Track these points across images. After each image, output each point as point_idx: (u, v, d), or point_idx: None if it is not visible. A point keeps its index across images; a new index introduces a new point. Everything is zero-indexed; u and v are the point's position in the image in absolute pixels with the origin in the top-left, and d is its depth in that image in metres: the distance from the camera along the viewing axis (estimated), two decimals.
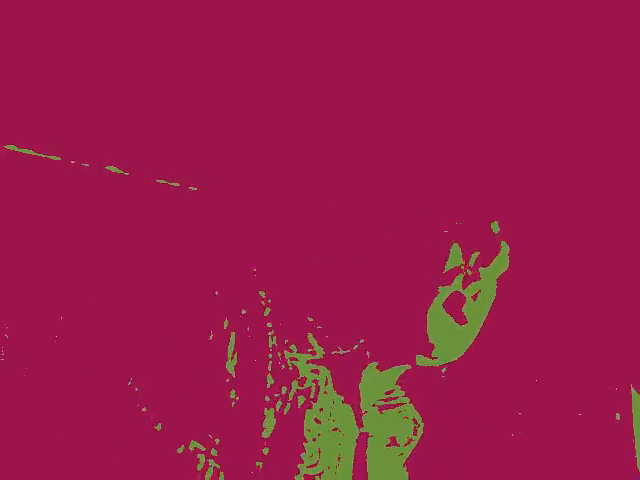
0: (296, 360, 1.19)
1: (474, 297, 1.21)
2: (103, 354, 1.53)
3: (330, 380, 1.21)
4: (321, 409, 1.19)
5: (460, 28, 1.74)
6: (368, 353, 1.24)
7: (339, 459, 1.21)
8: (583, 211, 2.02)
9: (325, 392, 1.20)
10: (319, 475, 1.17)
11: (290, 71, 1.64)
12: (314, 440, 1.17)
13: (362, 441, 1.25)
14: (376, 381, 1.27)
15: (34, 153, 1.63)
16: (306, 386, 1.18)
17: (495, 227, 1.23)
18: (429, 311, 1.18)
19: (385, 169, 1.26)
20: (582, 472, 2.01)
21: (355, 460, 1.23)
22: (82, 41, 1.66)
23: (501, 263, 1.24)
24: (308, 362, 1.19)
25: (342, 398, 1.22)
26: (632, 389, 2.02)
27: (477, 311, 1.22)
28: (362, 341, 1.23)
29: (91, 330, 1.58)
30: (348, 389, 1.24)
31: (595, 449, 2.02)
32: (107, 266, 1.67)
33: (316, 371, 1.20)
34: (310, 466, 1.17)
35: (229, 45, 1.70)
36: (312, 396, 1.18)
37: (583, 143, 1.95)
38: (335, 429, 1.21)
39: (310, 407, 1.18)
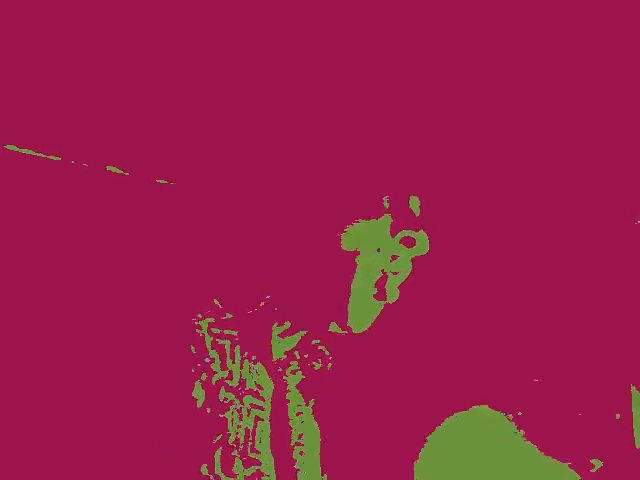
0: (200, 328, 1.15)
1: (395, 273, 1.21)
2: (100, 354, 1.53)
3: (237, 342, 1.17)
4: (230, 375, 1.15)
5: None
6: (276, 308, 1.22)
7: (257, 423, 1.16)
8: (584, 209, 2.02)
9: (232, 355, 1.17)
10: (243, 450, 1.12)
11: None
12: (231, 412, 1.12)
13: (278, 397, 1.21)
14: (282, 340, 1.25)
15: (34, 153, 1.63)
16: (211, 355, 1.14)
17: (415, 204, 1.23)
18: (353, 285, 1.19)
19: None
20: (582, 472, 2.01)
21: (272, 419, 1.19)
22: (82, 41, 1.66)
23: (420, 244, 1.23)
24: (211, 326, 1.16)
25: (254, 357, 1.18)
26: (632, 388, 2.02)
27: (393, 288, 1.23)
28: (268, 297, 1.22)
29: (89, 330, 1.58)
30: (259, 346, 1.21)
31: (595, 449, 2.02)
32: (107, 266, 1.67)
33: (220, 335, 1.16)
34: (234, 442, 1.11)
35: (233, 44, 1.70)
36: (217, 364, 1.14)
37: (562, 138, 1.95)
38: (250, 391, 1.17)
39: (219, 376, 1.13)
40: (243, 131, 1.35)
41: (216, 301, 1.19)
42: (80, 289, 1.63)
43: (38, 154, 1.64)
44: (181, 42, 1.70)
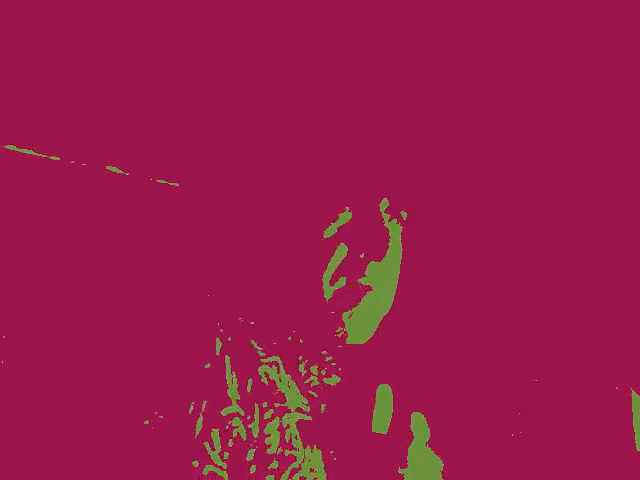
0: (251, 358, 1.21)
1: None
2: (100, 356, 1.54)
3: (281, 365, 1.23)
4: (282, 397, 1.21)
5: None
6: (301, 340, 1.27)
7: (305, 439, 1.22)
8: (585, 209, 2.02)
9: (280, 379, 1.22)
10: (299, 467, 1.18)
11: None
12: (293, 436, 1.19)
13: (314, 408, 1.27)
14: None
15: (34, 153, 1.64)
16: (263, 381, 1.20)
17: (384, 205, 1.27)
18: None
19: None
20: (581, 473, 2.02)
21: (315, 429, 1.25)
22: (82, 41, 1.66)
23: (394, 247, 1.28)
24: (261, 360, 1.21)
25: (290, 377, 1.24)
26: (632, 390, 2.02)
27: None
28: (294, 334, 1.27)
29: (90, 331, 1.58)
30: (293, 367, 1.26)
31: (594, 449, 2.02)
32: (107, 266, 1.67)
33: (269, 364, 1.21)
34: (291, 457, 1.17)
35: (233, 45, 1.71)
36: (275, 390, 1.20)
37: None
38: (298, 409, 1.22)
39: (277, 400, 1.19)
40: (241, 131, 1.35)
41: (254, 344, 1.24)
42: (79, 289, 1.63)
43: (38, 154, 1.64)
44: (181, 43, 1.70)
